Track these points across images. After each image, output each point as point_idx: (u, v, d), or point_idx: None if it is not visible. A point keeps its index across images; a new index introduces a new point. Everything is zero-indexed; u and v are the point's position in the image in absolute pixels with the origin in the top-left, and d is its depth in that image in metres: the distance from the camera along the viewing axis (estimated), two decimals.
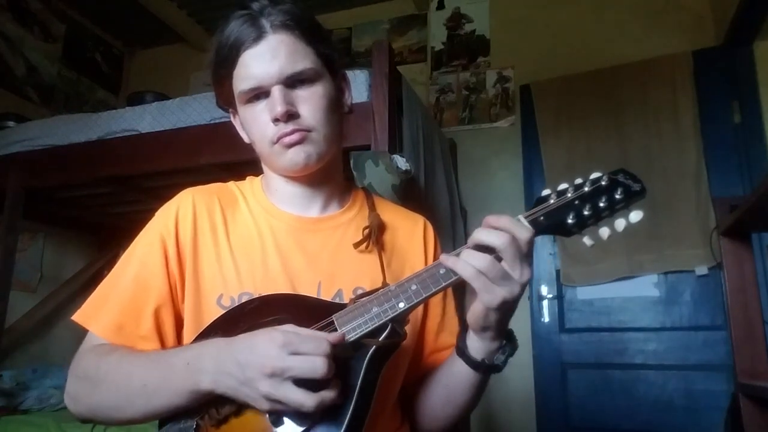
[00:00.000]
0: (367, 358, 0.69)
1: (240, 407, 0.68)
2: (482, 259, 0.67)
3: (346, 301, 0.80)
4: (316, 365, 0.62)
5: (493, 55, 3.08)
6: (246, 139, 0.91)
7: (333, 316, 0.72)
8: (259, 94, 0.83)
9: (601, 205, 0.69)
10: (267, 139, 0.83)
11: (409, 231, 0.97)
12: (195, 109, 2.00)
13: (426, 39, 3.26)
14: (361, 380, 0.68)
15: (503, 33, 3.08)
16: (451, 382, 0.84)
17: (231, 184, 0.96)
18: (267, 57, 0.81)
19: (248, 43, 0.81)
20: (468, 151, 2.93)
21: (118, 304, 0.81)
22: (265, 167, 0.93)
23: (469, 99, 3.05)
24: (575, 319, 2.63)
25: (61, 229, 3.09)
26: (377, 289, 0.75)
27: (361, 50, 3.36)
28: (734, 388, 1.69)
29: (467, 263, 0.68)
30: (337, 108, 0.88)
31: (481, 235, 0.69)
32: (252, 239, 0.87)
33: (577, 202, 0.70)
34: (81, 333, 0.83)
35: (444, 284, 0.71)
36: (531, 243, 0.69)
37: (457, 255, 0.70)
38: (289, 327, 0.67)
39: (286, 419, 0.66)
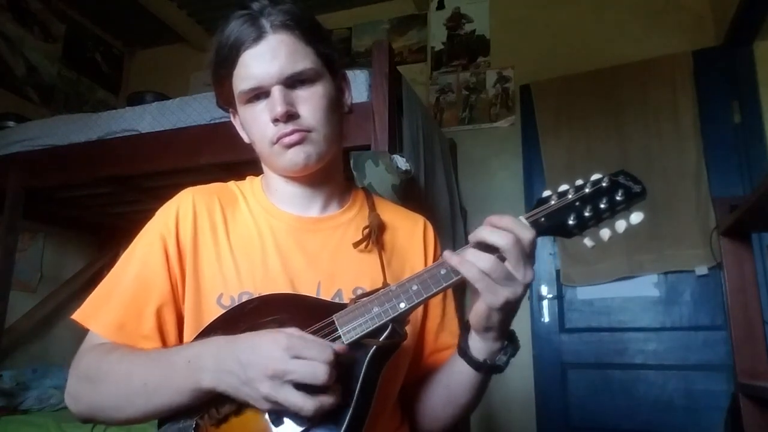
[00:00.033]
0: (367, 359, 0.69)
1: (240, 407, 0.68)
2: (487, 260, 0.67)
3: (345, 300, 0.80)
4: (317, 372, 0.62)
5: (493, 55, 3.08)
6: (246, 139, 0.91)
7: (334, 316, 0.72)
8: (259, 94, 0.83)
9: (602, 206, 0.70)
10: (267, 139, 0.83)
11: (409, 231, 0.97)
12: (195, 109, 2.00)
13: (426, 39, 3.26)
14: (361, 380, 0.68)
15: (503, 33, 3.08)
16: (452, 383, 0.84)
17: (231, 183, 0.96)
18: (267, 57, 0.81)
19: (248, 43, 0.81)
20: (468, 151, 2.94)
21: (119, 303, 0.81)
22: (265, 167, 0.93)
23: (469, 99, 3.05)
24: (575, 319, 2.63)
25: (61, 229, 3.09)
26: (377, 289, 0.75)
27: (361, 50, 3.36)
28: (734, 388, 1.69)
29: (472, 263, 0.68)
30: (337, 108, 0.88)
31: (485, 234, 0.68)
32: (252, 239, 0.87)
33: (578, 203, 0.70)
34: (81, 333, 0.83)
35: (445, 285, 0.71)
36: (534, 244, 0.69)
37: (460, 254, 0.70)
38: (294, 330, 0.66)
39: (285, 419, 0.66)
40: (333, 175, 0.93)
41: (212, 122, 1.94)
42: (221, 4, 3.17)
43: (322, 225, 0.91)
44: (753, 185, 2.18)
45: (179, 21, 3.47)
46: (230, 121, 0.95)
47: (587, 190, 0.71)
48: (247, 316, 0.74)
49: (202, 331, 0.77)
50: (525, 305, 2.65)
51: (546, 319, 2.66)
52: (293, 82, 0.82)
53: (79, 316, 0.83)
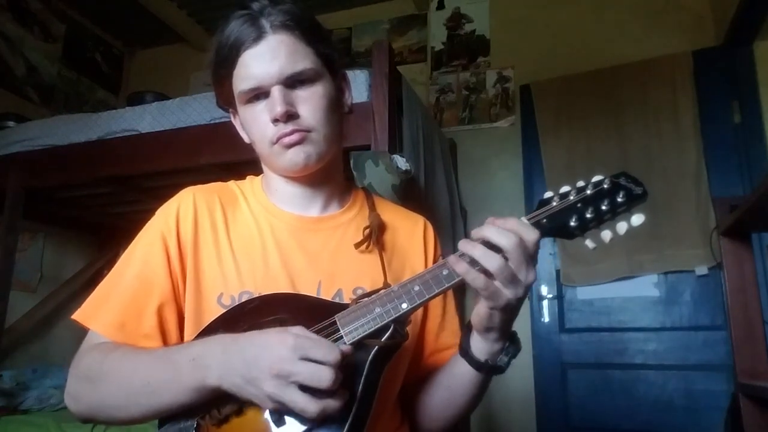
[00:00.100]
0: (369, 359, 0.69)
1: (241, 407, 0.68)
2: (496, 259, 0.67)
3: (346, 300, 0.80)
4: (322, 376, 0.61)
5: (493, 55, 3.08)
6: (246, 139, 0.91)
7: (335, 316, 0.72)
8: (259, 94, 0.83)
9: (603, 208, 0.70)
10: (267, 139, 0.83)
11: (410, 231, 0.97)
12: (195, 109, 2.00)
13: (426, 39, 3.26)
14: (363, 381, 0.68)
15: (503, 33, 3.08)
16: (453, 383, 0.84)
17: (231, 183, 0.96)
18: (267, 57, 0.81)
19: (248, 43, 0.81)
20: (468, 151, 2.94)
21: (120, 302, 0.81)
22: (265, 167, 0.93)
23: (469, 99, 3.05)
24: (575, 319, 2.63)
25: (61, 229, 3.09)
26: (378, 289, 0.75)
27: (361, 50, 3.36)
28: (734, 388, 1.69)
29: (476, 271, 0.68)
30: (337, 108, 0.88)
31: (490, 233, 0.68)
32: (252, 238, 0.87)
33: (579, 204, 0.71)
34: (81, 333, 0.83)
35: (447, 285, 0.71)
36: (537, 245, 0.69)
37: (461, 255, 0.70)
38: (300, 330, 0.66)
39: (287, 420, 0.66)
40: (333, 175, 0.93)
41: (212, 122, 1.94)
42: (221, 4, 3.16)
43: (323, 225, 0.91)
44: (753, 185, 2.18)
45: (179, 21, 3.47)
46: (230, 121, 0.95)
47: (589, 192, 0.71)
48: (247, 316, 0.74)
49: (202, 330, 0.77)
50: (525, 305, 2.63)
51: (546, 319, 2.66)
52: (293, 82, 0.82)
53: (79, 315, 0.82)
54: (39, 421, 2.10)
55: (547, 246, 2.67)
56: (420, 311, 0.92)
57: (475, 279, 0.68)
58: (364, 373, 0.68)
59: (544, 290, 2.68)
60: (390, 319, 0.71)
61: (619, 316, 2.55)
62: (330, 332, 0.71)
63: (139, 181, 2.29)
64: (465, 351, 0.79)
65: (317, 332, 0.70)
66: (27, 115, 2.70)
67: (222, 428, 0.68)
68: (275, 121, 0.81)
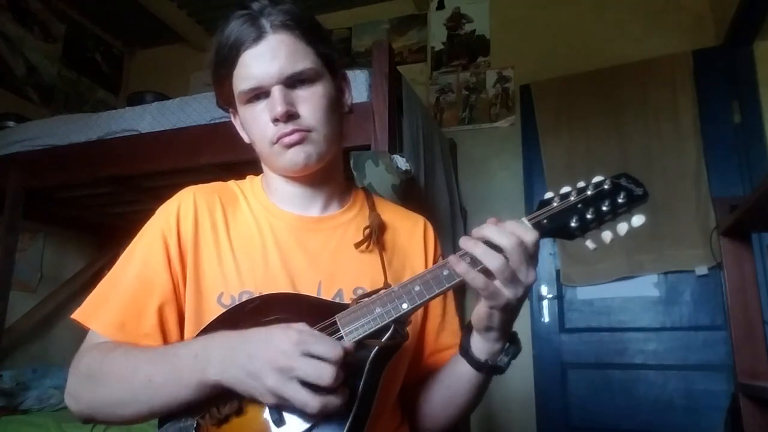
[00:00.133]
0: (369, 359, 0.69)
1: (241, 407, 0.68)
2: (497, 258, 0.67)
3: (346, 300, 0.80)
4: (323, 372, 0.61)
5: (493, 55, 3.08)
6: (246, 139, 0.91)
7: (336, 316, 0.72)
8: (259, 94, 0.83)
9: (604, 209, 0.70)
10: (267, 139, 0.83)
11: (410, 231, 0.97)
12: (195, 109, 2.00)
13: (426, 39, 3.26)
14: (363, 381, 0.68)
15: (503, 33, 3.08)
16: (453, 383, 0.84)
17: (231, 183, 0.96)
18: (267, 57, 0.81)
19: (248, 43, 0.81)
20: (468, 151, 2.94)
21: (120, 302, 0.81)
22: (265, 167, 0.93)
23: (469, 99, 3.05)
24: (575, 319, 2.63)
25: (61, 229, 3.09)
26: (378, 290, 0.75)
27: (361, 50, 3.36)
28: (734, 388, 1.69)
29: (477, 272, 0.68)
30: (337, 108, 0.88)
31: (490, 233, 0.68)
32: (253, 238, 0.87)
33: (580, 205, 0.71)
34: (81, 333, 0.83)
35: (447, 286, 0.71)
36: (537, 245, 0.69)
37: (463, 256, 0.70)
38: (304, 326, 0.66)
39: (287, 420, 0.66)
40: (333, 175, 0.93)
41: (212, 122, 1.94)
42: (221, 4, 3.16)
43: (323, 225, 0.91)
44: (753, 185, 2.18)
45: (179, 21, 3.47)
46: (230, 121, 0.95)
47: (589, 193, 0.71)
48: (247, 316, 0.74)
49: (203, 330, 0.77)
50: (525, 305, 2.63)
51: (546, 319, 2.66)
52: (293, 82, 0.82)
53: (79, 315, 0.82)
54: (39, 421, 2.10)
55: (547, 246, 2.67)
56: (420, 311, 0.92)
57: (474, 278, 0.68)
58: (365, 373, 0.68)
59: (544, 290, 2.68)
60: (390, 319, 0.71)
61: (619, 316, 2.55)
62: (330, 332, 0.71)
63: (139, 181, 2.29)
64: (465, 351, 0.79)
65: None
66: (27, 115, 2.70)
67: (222, 428, 0.68)
68: (275, 121, 0.81)
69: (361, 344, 0.70)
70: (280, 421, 0.66)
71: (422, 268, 0.92)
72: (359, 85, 1.72)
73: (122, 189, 2.32)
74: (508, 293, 0.68)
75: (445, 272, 0.72)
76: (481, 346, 0.77)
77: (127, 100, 2.65)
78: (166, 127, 2.03)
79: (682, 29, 2.69)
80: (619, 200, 0.70)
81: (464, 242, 0.70)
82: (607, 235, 0.71)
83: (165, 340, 0.81)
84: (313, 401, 0.61)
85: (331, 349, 0.63)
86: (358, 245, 0.89)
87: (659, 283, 2.52)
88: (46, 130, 2.25)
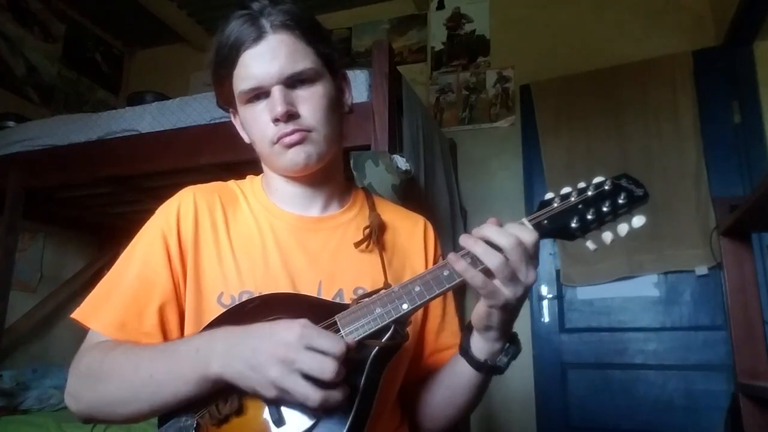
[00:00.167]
0: (370, 359, 0.69)
1: (241, 406, 0.68)
2: (496, 257, 0.67)
3: (346, 300, 0.80)
4: (325, 366, 0.62)
5: (493, 55, 3.08)
6: (246, 139, 0.91)
7: (336, 316, 0.72)
8: (259, 94, 0.83)
9: (605, 209, 0.70)
10: (267, 139, 0.83)
11: (410, 231, 0.97)
12: (195, 109, 2.00)
13: (426, 39, 3.26)
14: (363, 381, 0.68)
15: (503, 33, 3.08)
16: (453, 383, 0.84)
17: (231, 183, 0.96)
18: (267, 57, 0.81)
19: (248, 43, 0.81)
20: (468, 151, 2.93)
21: (121, 301, 0.81)
22: (265, 167, 0.93)
23: (469, 99, 3.05)
24: (575, 319, 2.63)
25: (61, 229, 3.09)
26: (379, 290, 0.75)
27: (361, 50, 3.36)
28: (734, 388, 1.69)
29: (476, 271, 0.68)
30: (337, 108, 0.88)
31: (490, 233, 0.69)
32: (253, 238, 0.87)
33: (580, 206, 0.71)
34: (81, 333, 0.82)
35: (447, 286, 0.72)
36: (537, 246, 0.69)
37: (463, 255, 0.70)
38: (307, 322, 0.66)
39: (287, 419, 0.66)
40: (333, 175, 0.93)
41: (212, 122, 1.94)
42: (221, 4, 3.16)
43: (323, 225, 0.91)
44: (753, 185, 2.18)
45: (179, 21, 3.47)
46: (230, 121, 0.95)
47: (590, 193, 0.71)
48: (247, 316, 0.74)
49: (202, 330, 0.76)
50: (525, 305, 2.64)
51: (546, 319, 2.66)
52: (293, 82, 0.82)
53: (79, 314, 0.82)
54: (39, 421, 2.10)
55: (547, 246, 2.67)
56: (420, 311, 0.92)
57: (474, 277, 0.68)
58: (365, 373, 0.68)
59: (544, 290, 2.68)
60: (390, 319, 0.71)
61: (619, 316, 2.55)
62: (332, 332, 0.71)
63: (139, 181, 2.29)
64: (465, 350, 0.79)
65: None
66: (27, 115, 2.70)
67: (222, 428, 0.68)
68: (276, 120, 0.81)
69: (361, 345, 0.70)
70: (280, 421, 0.66)
71: (422, 268, 0.93)
72: (359, 85, 1.72)
73: (122, 189, 2.32)
74: (507, 292, 0.69)
75: (446, 273, 0.72)
76: (480, 346, 0.77)
77: (127, 100, 2.65)
78: (166, 127, 2.03)
79: (682, 29, 2.69)
80: (620, 201, 0.70)
81: (464, 240, 0.70)
82: (607, 236, 0.71)
83: (165, 339, 0.81)
84: (314, 395, 0.62)
85: (334, 343, 0.63)
86: (357, 245, 0.89)
87: (659, 283, 2.52)
88: (46, 130, 2.25)
